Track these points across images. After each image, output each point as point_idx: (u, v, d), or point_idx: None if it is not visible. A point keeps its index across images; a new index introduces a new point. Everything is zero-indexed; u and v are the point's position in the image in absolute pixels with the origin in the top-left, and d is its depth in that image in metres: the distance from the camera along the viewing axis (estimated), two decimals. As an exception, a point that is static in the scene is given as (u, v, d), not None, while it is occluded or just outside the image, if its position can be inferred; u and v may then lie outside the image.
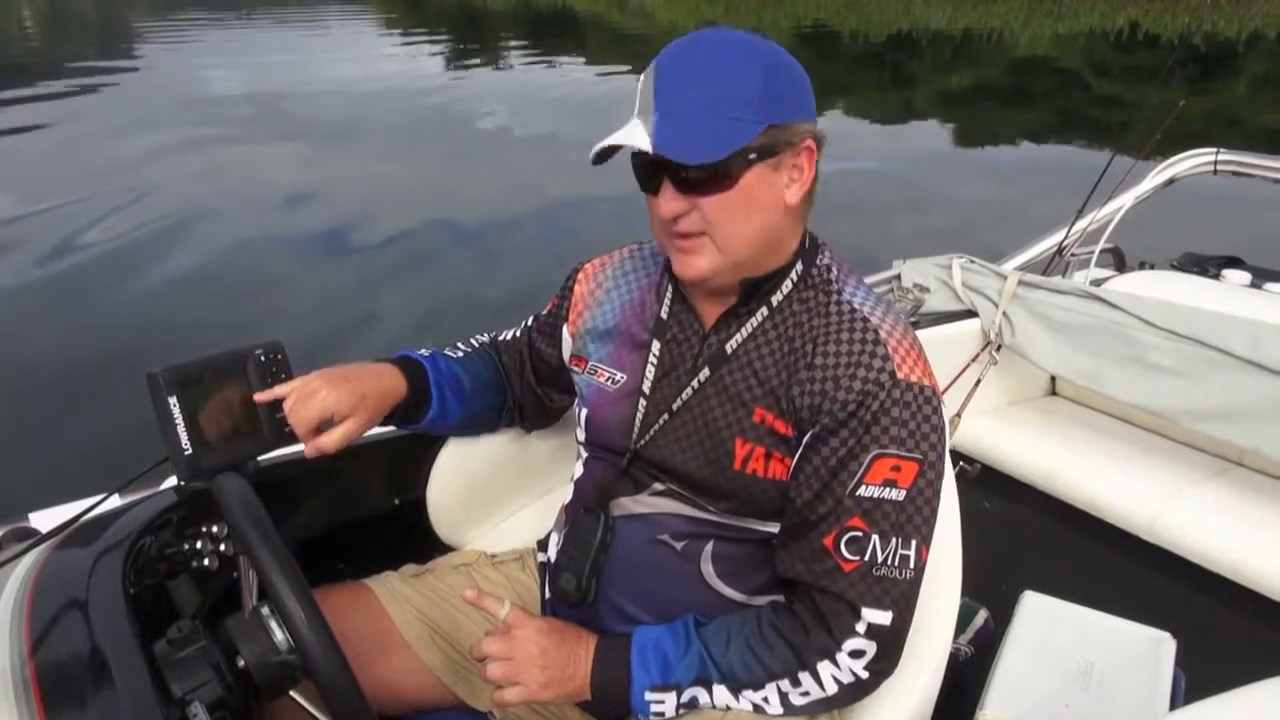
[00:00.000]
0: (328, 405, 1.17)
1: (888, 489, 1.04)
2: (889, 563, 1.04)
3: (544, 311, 1.41)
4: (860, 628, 1.04)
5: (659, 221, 1.07)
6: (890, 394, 1.04)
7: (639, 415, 1.18)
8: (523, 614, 1.12)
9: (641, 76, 1.04)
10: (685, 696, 1.08)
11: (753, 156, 1.01)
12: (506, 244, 6.39)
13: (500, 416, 1.49)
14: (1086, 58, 18.57)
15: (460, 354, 1.42)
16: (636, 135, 1.00)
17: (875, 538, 1.04)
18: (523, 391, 1.46)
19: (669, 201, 1.03)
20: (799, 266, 1.13)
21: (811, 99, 1.07)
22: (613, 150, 1.04)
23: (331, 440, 1.17)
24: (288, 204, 7.06)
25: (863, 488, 1.04)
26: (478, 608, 1.13)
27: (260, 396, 1.15)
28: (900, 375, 1.05)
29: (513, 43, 20.14)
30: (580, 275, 1.34)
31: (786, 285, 1.12)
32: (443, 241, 6.42)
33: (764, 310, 1.12)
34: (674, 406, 1.16)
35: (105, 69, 14.41)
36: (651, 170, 1.03)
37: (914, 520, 1.05)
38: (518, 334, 1.45)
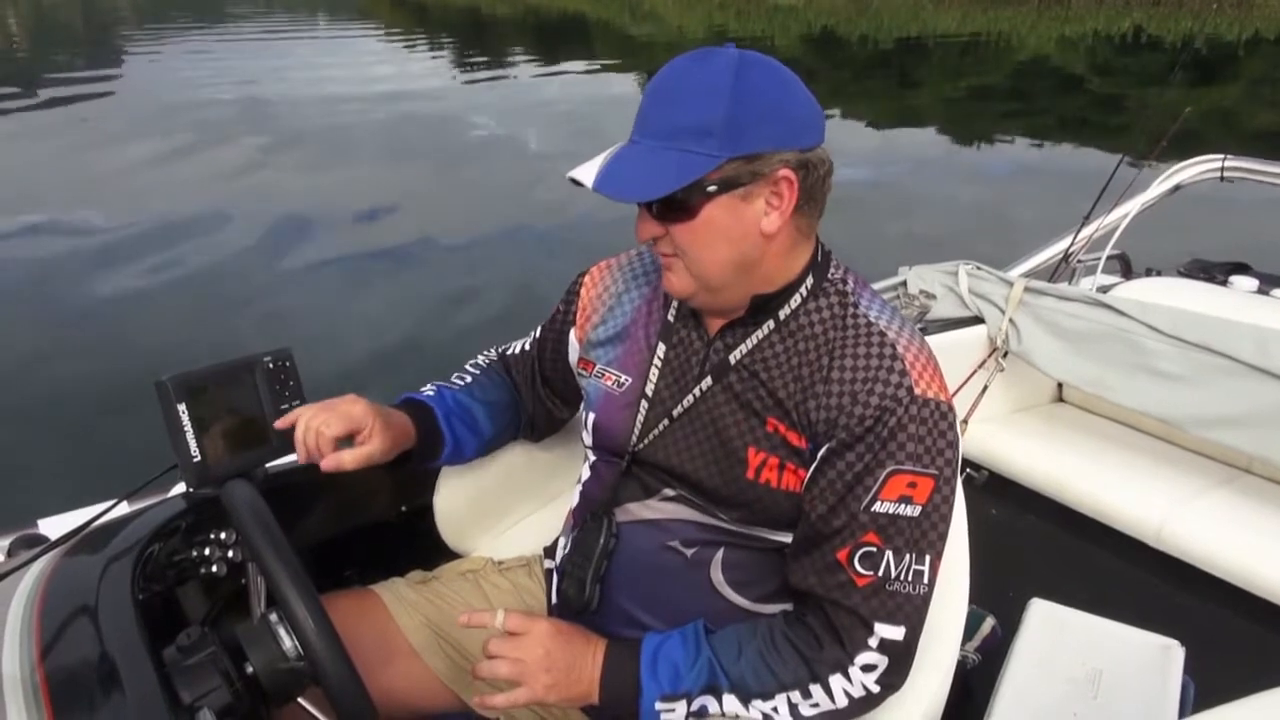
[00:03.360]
0: (354, 417, 1.18)
1: (903, 505, 1.04)
2: (902, 578, 1.04)
3: (549, 320, 1.41)
4: (873, 642, 1.04)
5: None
6: (908, 410, 1.04)
7: (640, 417, 1.19)
8: (522, 617, 1.12)
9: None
10: (695, 705, 1.08)
11: (712, 189, 1.01)
12: (506, 250, 6.41)
13: (516, 435, 1.50)
14: (1091, 60, 18.60)
15: (467, 380, 1.42)
16: (587, 170, 1.02)
17: (889, 553, 1.04)
18: (534, 405, 1.46)
19: (643, 224, 1.07)
20: (809, 280, 1.13)
21: (799, 125, 1.03)
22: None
23: (352, 458, 1.18)
24: (294, 213, 7.08)
25: (878, 503, 1.04)
26: (474, 627, 1.14)
27: (281, 423, 1.17)
28: (918, 391, 1.05)
29: (520, 52, 20.09)
30: (586, 280, 1.34)
31: (795, 300, 1.12)
32: (445, 247, 6.44)
33: (770, 324, 1.12)
34: (675, 412, 1.16)
35: (96, 78, 14.39)
36: None
37: (928, 536, 1.06)
38: (527, 346, 1.45)
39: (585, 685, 1.10)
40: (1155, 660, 1.58)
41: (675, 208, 1.03)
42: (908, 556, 1.04)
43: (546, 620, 1.14)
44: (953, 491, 1.08)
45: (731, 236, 1.05)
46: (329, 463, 1.17)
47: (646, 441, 1.18)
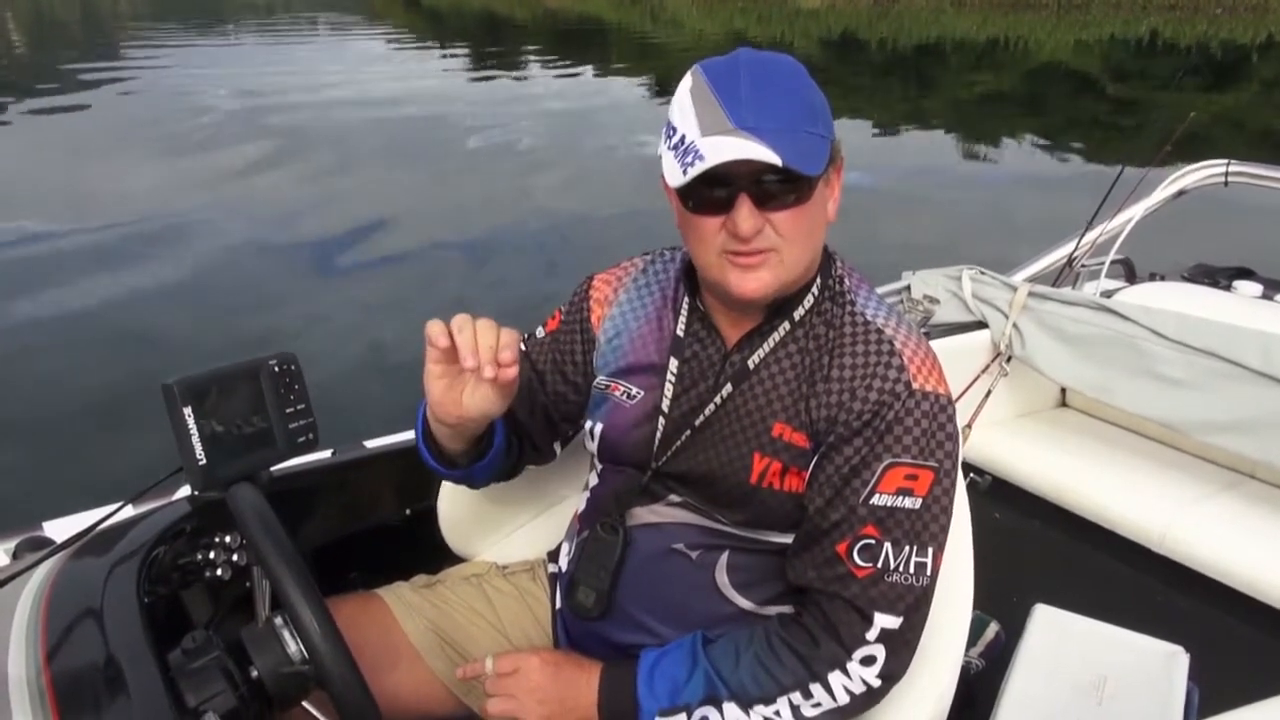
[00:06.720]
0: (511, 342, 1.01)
1: (902, 497, 1.04)
2: (902, 569, 1.04)
3: (543, 332, 1.31)
4: (871, 634, 1.04)
5: (720, 240, 1.02)
6: (905, 404, 1.04)
7: (659, 433, 1.17)
8: (512, 656, 1.15)
9: (684, 97, 1.01)
10: (695, 717, 1.08)
11: (821, 171, 1.02)
12: (517, 254, 6.42)
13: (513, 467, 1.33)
14: (1106, 64, 18.64)
15: None
16: (750, 149, 0.94)
17: (888, 545, 1.04)
18: (531, 429, 1.31)
19: (750, 218, 0.99)
20: (818, 280, 1.14)
21: None
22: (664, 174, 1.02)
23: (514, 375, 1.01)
24: (296, 219, 7.11)
25: (876, 496, 1.04)
26: (471, 678, 1.17)
27: (437, 330, 1.01)
28: (915, 385, 1.05)
29: (538, 56, 20.06)
30: (592, 290, 1.28)
31: (809, 300, 1.13)
32: (454, 252, 6.45)
33: (785, 325, 1.13)
34: (696, 423, 1.15)
35: (99, 80, 14.40)
36: (723, 187, 0.99)
37: (930, 528, 1.06)
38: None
39: (583, 711, 1.11)
40: (1160, 666, 1.57)
41: (798, 190, 1.00)
42: (907, 548, 1.04)
43: (536, 655, 1.15)
44: (953, 484, 1.08)
45: (820, 221, 1.07)
46: (506, 372, 0.99)
47: (669, 455, 1.17)
